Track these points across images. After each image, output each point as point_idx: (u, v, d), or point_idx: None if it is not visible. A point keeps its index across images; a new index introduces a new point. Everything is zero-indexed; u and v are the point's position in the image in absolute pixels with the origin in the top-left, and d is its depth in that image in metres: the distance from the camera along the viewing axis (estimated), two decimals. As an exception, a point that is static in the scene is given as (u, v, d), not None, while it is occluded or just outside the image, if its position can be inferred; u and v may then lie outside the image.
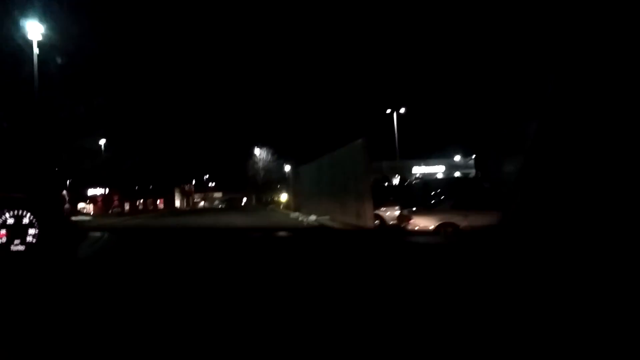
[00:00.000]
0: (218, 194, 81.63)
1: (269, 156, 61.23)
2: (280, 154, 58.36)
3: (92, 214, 36.74)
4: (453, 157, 40.30)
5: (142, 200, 53.72)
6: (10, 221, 1.39)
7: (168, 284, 1.21)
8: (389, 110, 36.23)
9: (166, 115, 65.81)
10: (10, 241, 1.39)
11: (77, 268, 1.40)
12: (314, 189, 18.21)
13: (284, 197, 39.23)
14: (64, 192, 24.27)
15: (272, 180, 56.86)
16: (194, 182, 75.68)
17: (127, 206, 52.11)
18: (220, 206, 76.05)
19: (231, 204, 70.53)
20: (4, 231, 1.38)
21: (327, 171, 15.49)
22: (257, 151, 61.13)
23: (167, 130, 64.55)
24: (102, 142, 34.12)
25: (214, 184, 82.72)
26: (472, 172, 21.84)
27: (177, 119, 75.75)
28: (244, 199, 76.24)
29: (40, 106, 18.79)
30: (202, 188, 79.74)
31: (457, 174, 29.11)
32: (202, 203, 76.31)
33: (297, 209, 21.50)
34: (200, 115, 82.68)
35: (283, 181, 52.56)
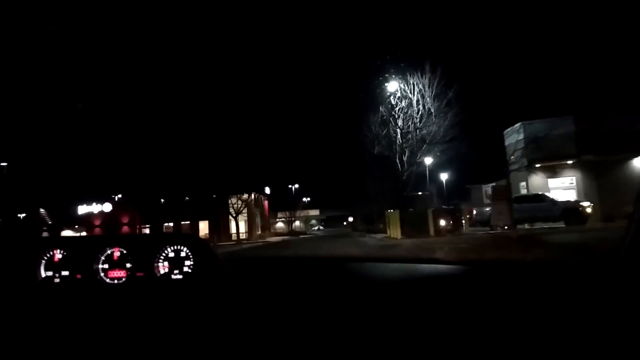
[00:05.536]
0: (314, 212, 59.10)
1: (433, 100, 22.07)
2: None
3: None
4: None
5: (171, 224, 35.17)
6: (171, 255, 1.71)
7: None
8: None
9: (230, 90, 41.33)
10: (171, 271, 1.71)
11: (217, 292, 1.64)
12: None
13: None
14: (41, 210, 23.11)
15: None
16: (267, 190, 47.07)
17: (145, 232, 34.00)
18: (318, 227, 55.33)
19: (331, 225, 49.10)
20: (167, 263, 1.70)
21: None
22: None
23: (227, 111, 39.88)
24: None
25: (308, 199, 58.33)
26: None
27: (244, 97, 47.45)
28: (350, 219, 54.94)
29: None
30: (285, 203, 54.15)
31: None
32: (293, 224, 55.43)
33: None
34: (281, 90, 57.15)
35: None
